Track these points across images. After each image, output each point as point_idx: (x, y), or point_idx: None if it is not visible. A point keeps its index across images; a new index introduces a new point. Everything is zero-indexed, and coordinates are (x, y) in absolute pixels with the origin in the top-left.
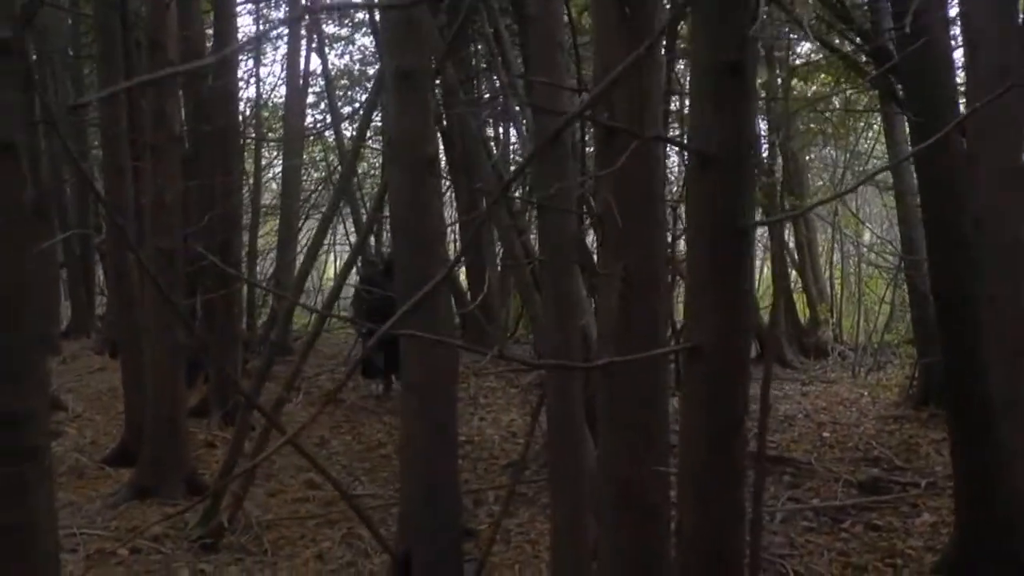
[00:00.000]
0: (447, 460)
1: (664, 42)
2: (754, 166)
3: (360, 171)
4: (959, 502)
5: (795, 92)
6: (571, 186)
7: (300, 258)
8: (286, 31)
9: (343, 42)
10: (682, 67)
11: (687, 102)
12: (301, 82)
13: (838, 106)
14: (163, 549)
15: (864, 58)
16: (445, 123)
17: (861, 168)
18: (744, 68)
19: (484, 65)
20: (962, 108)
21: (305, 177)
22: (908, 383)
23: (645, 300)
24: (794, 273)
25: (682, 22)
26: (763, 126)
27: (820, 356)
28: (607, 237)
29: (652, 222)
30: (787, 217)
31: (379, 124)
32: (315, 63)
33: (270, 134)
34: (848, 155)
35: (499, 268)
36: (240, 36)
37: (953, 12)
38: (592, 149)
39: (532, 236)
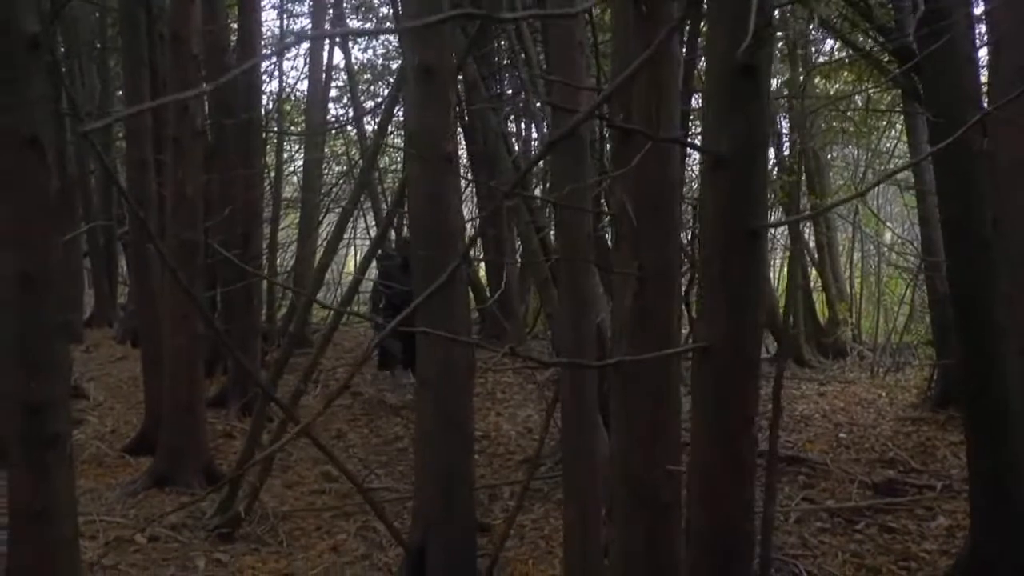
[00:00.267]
0: (462, 455)
1: (684, 41)
2: (766, 166)
3: (382, 165)
4: (974, 506)
5: (818, 90)
6: (587, 185)
7: (320, 251)
8: (309, 26)
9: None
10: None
11: None
12: (324, 76)
13: (860, 105)
14: (180, 537)
15: (887, 57)
16: (467, 119)
17: (882, 167)
18: (758, 71)
19: (507, 61)
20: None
21: (327, 171)
22: (926, 385)
23: (659, 299)
24: (814, 272)
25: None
26: (785, 124)
27: (839, 356)
28: (622, 236)
29: (667, 221)
30: (799, 219)
31: (401, 119)
32: (338, 57)
33: (292, 128)
34: (870, 154)
35: (519, 265)
36: (264, 31)
37: (978, 10)
38: (611, 148)
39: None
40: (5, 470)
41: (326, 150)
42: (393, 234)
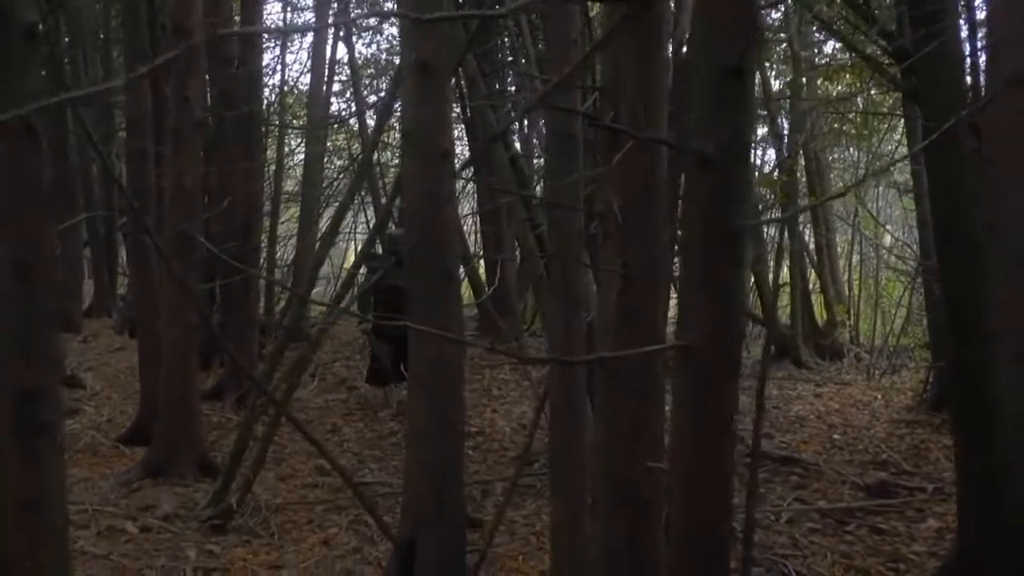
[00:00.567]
0: (452, 450)
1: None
2: (751, 167)
3: (383, 160)
4: (962, 508)
5: (819, 91)
6: (579, 183)
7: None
8: (312, 18)
9: (371, 31)
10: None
11: None
12: (326, 70)
13: (861, 106)
14: (172, 528)
15: (887, 60)
16: (469, 115)
17: (882, 168)
18: (744, 72)
19: (510, 58)
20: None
21: (329, 165)
22: (922, 387)
23: (644, 297)
24: (813, 274)
25: None
26: (786, 125)
27: (836, 358)
28: (608, 234)
29: (652, 220)
30: (780, 220)
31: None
32: (342, 51)
33: (295, 121)
34: (870, 156)
35: (518, 262)
36: (269, 23)
37: (981, 15)
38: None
39: None
40: None
41: (329, 144)
42: (393, 227)
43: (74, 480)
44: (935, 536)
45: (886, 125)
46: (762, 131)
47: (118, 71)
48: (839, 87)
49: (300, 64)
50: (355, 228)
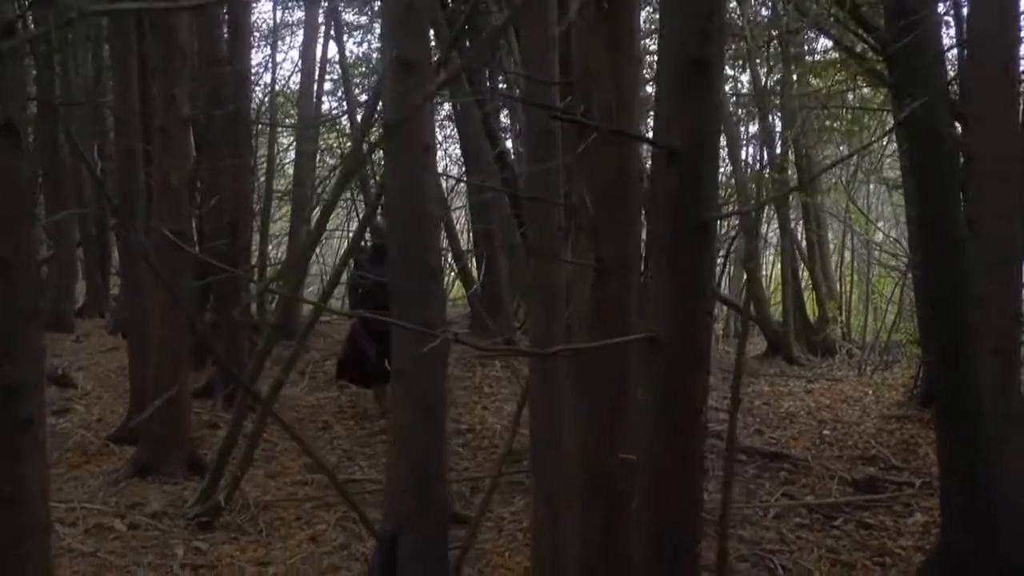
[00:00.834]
0: (436, 446)
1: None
2: (718, 159)
3: (375, 158)
4: (945, 503)
5: (810, 87)
6: (558, 178)
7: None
8: (303, 18)
9: (362, 30)
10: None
11: None
12: (317, 69)
13: (850, 103)
14: (160, 526)
15: (876, 56)
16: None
17: (872, 166)
18: (709, 65)
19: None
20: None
21: (320, 164)
22: (912, 383)
23: (617, 290)
24: (804, 271)
25: None
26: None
27: (827, 354)
28: (580, 228)
29: (625, 213)
30: (750, 210)
31: None
32: (332, 50)
33: (287, 120)
34: (860, 157)
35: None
36: (260, 23)
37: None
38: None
39: None
40: None
41: (320, 143)
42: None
43: (63, 478)
44: (921, 530)
45: (876, 122)
46: (753, 128)
47: (108, 70)
48: (830, 84)
49: (291, 63)
50: (348, 227)
